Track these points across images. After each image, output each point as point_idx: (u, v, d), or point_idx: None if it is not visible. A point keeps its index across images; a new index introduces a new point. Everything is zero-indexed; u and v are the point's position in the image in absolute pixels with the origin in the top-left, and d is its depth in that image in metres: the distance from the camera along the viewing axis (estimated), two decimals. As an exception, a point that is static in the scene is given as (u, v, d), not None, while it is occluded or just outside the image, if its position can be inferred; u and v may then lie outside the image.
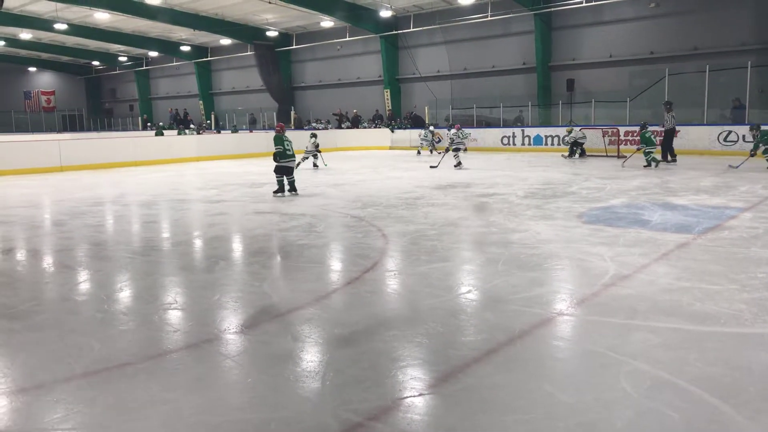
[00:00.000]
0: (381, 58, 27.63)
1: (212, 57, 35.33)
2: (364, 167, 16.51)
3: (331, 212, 8.61)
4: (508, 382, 3.02)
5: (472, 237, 6.79)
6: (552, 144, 20.81)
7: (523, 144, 21.64)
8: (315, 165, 16.15)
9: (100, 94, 45.60)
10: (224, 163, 19.10)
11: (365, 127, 27.26)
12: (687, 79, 18.79)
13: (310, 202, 9.75)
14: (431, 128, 22.52)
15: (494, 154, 20.85)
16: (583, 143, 17.86)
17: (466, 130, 22.72)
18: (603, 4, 20.85)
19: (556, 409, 2.74)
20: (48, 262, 6.19)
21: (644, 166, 13.90)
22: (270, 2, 23.69)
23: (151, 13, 25.73)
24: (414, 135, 23.26)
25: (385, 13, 24.52)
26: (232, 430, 2.64)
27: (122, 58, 38.81)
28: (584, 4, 20.91)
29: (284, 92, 31.64)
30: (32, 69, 43.02)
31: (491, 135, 22.69)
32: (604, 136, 18.20)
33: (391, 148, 24.86)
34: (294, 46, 30.93)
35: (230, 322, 4.05)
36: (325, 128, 26.38)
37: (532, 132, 21.58)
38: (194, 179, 14.45)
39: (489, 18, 23.06)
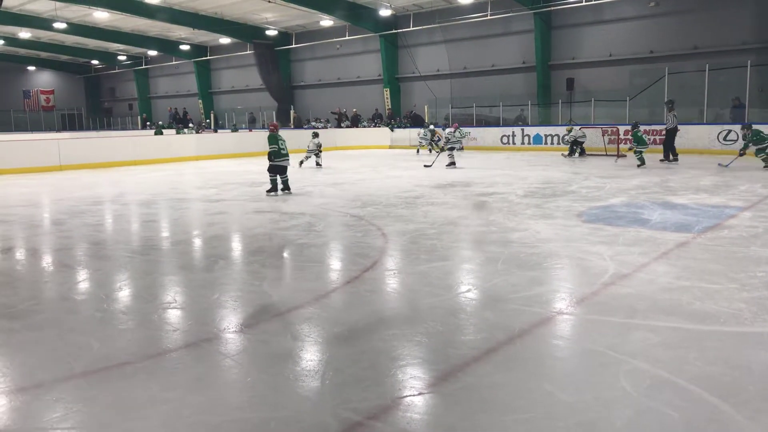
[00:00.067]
0: (380, 57, 27.62)
1: (211, 56, 35.32)
2: (363, 166, 16.51)
3: (331, 211, 8.61)
4: (507, 381, 3.02)
5: (472, 236, 6.79)
6: (552, 143, 20.81)
7: (522, 143, 21.64)
8: (318, 164, 16.18)
9: (99, 93, 45.58)
10: (224, 162, 19.10)
11: (365, 126, 27.25)
12: (687, 78, 18.79)
13: (309, 201, 9.75)
14: (431, 127, 22.51)
15: (494, 153, 20.84)
16: (582, 142, 17.86)
17: (465, 129, 22.73)
18: (603, 3, 20.86)
19: (555, 408, 2.74)
20: (47, 261, 6.18)
21: (638, 166, 13.94)
22: (269, 1, 23.69)
23: (151, 12, 25.73)
24: (414, 134, 23.25)
25: (385, 12, 24.51)
26: (232, 430, 2.64)
27: (121, 57, 38.79)
28: (584, 3, 20.91)
29: (284, 91, 31.63)
30: (31, 68, 43.00)
31: (491, 134, 22.69)
32: (603, 135, 18.20)
33: (390, 147, 24.86)
34: (293, 45, 30.92)
35: (230, 321, 4.05)
36: (325, 127, 26.36)
37: (531, 131, 21.58)
38: (193, 178, 14.44)
39: (489, 17, 23.07)
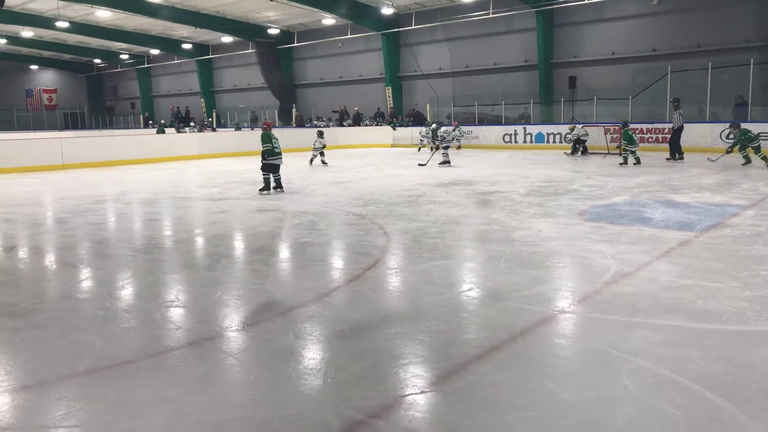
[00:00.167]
0: (382, 56, 27.60)
1: (214, 55, 35.32)
2: (365, 165, 16.51)
3: (333, 210, 8.61)
4: (509, 380, 3.02)
5: (474, 234, 6.78)
6: (554, 141, 20.78)
7: (525, 141, 21.61)
8: (324, 162, 16.34)
9: (101, 92, 45.63)
10: (226, 161, 19.12)
11: (367, 125, 27.24)
12: (690, 76, 18.75)
13: (311, 199, 9.76)
14: (433, 126, 22.51)
15: (496, 151, 20.82)
16: (585, 141, 17.84)
17: (464, 128, 22.76)
18: (605, 2, 20.81)
19: (557, 407, 2.74)
20: (50, 259, 6.20)
21: (620, 164, 13.95)
22: (271, 0, 23.67)
23: (153, 10, 25.74)
24: (416, 132, 23.24)
25: (387, 11, 24.49)
26: (235, 428, 2.64)
27: (124, 56, 38.81)
28: (586, 2, 20.86)
29: (286, 90, 31.63)
30: (34, 67, 43.06)
31: (493, 132, 22.67)
32: (606, 134, 18.16)
33: (392, 145, 24.85)
34: (295, 44, 30.91)
35: (232, 320, 4.06)
36: (326, 126, 26.36)
37: (533, 129, 21.56)
38: (196, 177, 14.46)
39: (491, 15, 23.03)
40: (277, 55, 30.86)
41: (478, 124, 23.64)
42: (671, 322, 3.73)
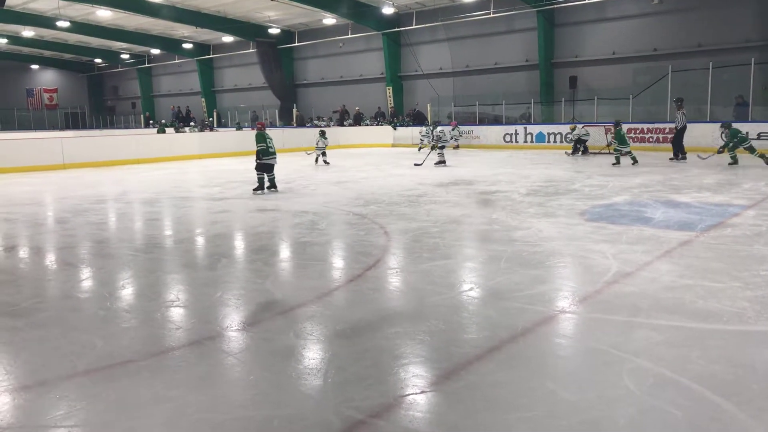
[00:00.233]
0: (383, 55, 27.60)
1: (214, 54, 35.32)
2: (366, 164, 16.51)
3: (334, 210, 8.61)
4: (510, 380, 3.02)
5: (475, 234, 6.78)
6: (555, 141, 20.77)
7: (525, 141, 21.60)
8: (326, 162, 16.52)
9: (102, 92, 45.64)
10: (226, 160, 19.13)
11: (367, 125, 27.24)
12: (690, 76, 18.73)
13: (312, 199, 9.76)
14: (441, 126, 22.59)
15: (496, 151, 20.82)
16: (586, 140, 17.83)
17: (463, 128, 22.79)
18: (606, 1, 20.80)
19: (558, 407, 2.74)
20: (51, 259, 6.20)
21: (613, 164, 13.94)
22: (272, 0, 23.68)
23: (154, 10, 25.75)
24: (416, 132, 23.25)
25: (388, 10, 24.49)
26: (235, 428, 2.64)
27: (124, 56, 38.82)
28: (587, 1, 20.85)
29: (286, 89, 31.63)
30: (35, 67, 43.08)
31: (493, 132, 22.66)
32: (606, 134, 18.14)
33: (393, 145, 24.85)
34: (296, 44, 30.91)
35: (233, 320, 4.06)
36: (327, 125, 26.37)
37: (534, 129, 21.54)
38: (197, 177, 14.47)
39: (491, 15, 23.02)
40: (278, 54, 30.86)
41: (478, 124, 23.63)
42: (672, 322, 3.73)
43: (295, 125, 29.39)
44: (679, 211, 7.70)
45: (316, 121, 28.79)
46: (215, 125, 32.50)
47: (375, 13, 25.13)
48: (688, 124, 15.19)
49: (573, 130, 18.15)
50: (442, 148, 15.21)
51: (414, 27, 25.65)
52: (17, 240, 7.26)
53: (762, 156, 12.92)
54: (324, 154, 16.70)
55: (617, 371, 3.07)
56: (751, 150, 13.29)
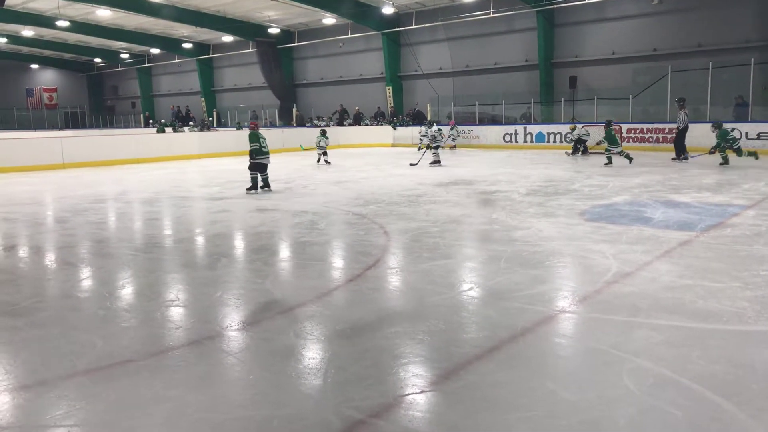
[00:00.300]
0: (383, 55, 27.59)
1: (214, 54, 35.30)
2: (366, 164, 16.51)
3: (334, 209, 8.61)
4: (510, 380, 3.02)
5: (475, 234, 6.78)
6: (554, 141, 20.77)
7: (525, 141, 21.60)
8: (327, 161, 16.63)
9: (102, 92, 45.63)
10: (226, 160, 19.11)
11: (367, 125, 27.24)
12: (690, 76, 18.73)
13: (312, 199, 9.75)
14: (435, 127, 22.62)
15: (496, 151, 20.82)
16: (586, 140, 17.83)
17: (461, 127, 22.81)
18: (606, 1, 20.79)
19: (558, 407, 2.74)
20: (50, 259, 6.20)
21: (605, 164, 13.94)
22: (272, -1, 23.71)
23: (153, 10, 25.74)
24: (416, 132, 23.24)
25: (387, 10, 24.48)
26: (235, 428, 2.64)
27: (124, 56, 38.81)
28: (587, 1, 20.85)
29: (286, 89, 31.63)
30: (34, 66, 43.06)
31: (493, 132, 22.66)
32: (606, 134, 18.14)
33: (393, 145, 24.84)
34: (296, 43, 30.90)
35: (232, 319, 4.06)
36: (327, 125, 26.37)
37: (534, 129, 21.55)
38: (196, 176, 14.47)
39: (491, 15, 23.02)
40: (278, 54, 30.85)
41: (478, 124, 23.63)
42: (672, 322, 3.73)
43: (294, 125, 29.38)
44: (679, 211, 7.70)
45: (315, 121, 28.77)
46: (215, 125, 32.49)
47: (375, 13, 25.12)
48: (689, 125, 15.19)
49: (573, 130, 18.15)
50: (437, 148, 15.22)
51: (414, 27, 25.65)
52: (17, 239, 7.26)
53: (751, 153, 13.06)
54: (325, 153, 16.80)
55: (617, 371, 3.07)
56: (738, 152, 13.43)
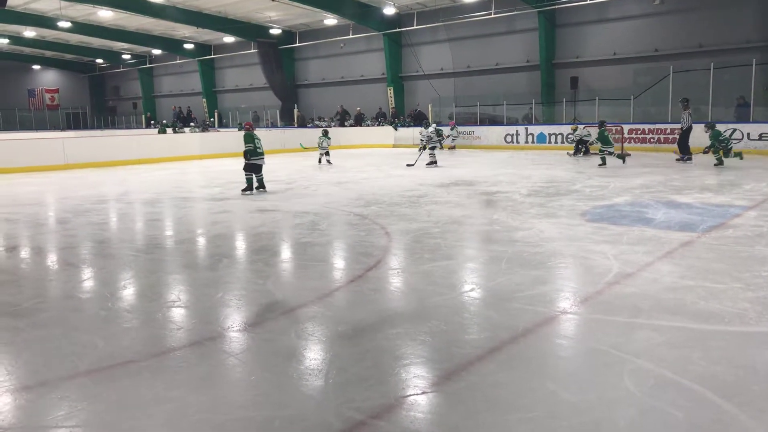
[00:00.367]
0: (384, 56, 27.59)
1: (215, 55, 35.33)
2: (367, 165, 16.51)
3: (335, 210, 8.61)
4: (511, 381, 3.02)
5: (476, 235, 6.78)
6: (556, 142, 20.77)
7: (526, 142, 21.60)
8: (329, 162, 16.73)
9: (103, 92, 45.68)
10: (228, 161, 19.10)
11: (368, 125, 27.25)
12: (691, 76, 18.71)
13: (313, 200, 9.76)
14: (433, 126, 22.62)
15: (497, 151, 20.81)
16: (587, 141, 17.82)
17: (460, 128, 22.85)
18: (607, 2, 20.77)
19: (559, 408, 2.74)
20: (52, 259, 6.21)
21: (599, 165, 13.95)
22: (273, 0, 23.68)
23: (155, 11, 25.76)
24: (417, 133, 23.25)
25: (389, 11, 24.48)
26: (236, 428, 2.65)
27: (126, 56, 38.85)
28: (588, 2, 20.83)
29: (287, 90, 31.64)
30: (36, 67, 43.12)
31: (494, 133, 22.65)
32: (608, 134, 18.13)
33: (394, 146, 24.84)
34: (297, 44, 30.91)
35: (234, 320, 4.06)
36: (329, 126, 26.38)
37: (535, 130, 21.54)
38: (198, 177, 14.48)
39: (493, 15, 23.01)
40: (279, 55, 30.87)
41: (479, 124, 23.63)
42: (673, 323, 3.73)
43: (296, 126, 29.38)
44: (681, 211, 7.70)
45: (317, 122, 28.77)
46: (216, 125, 32.50)
47: (376, 14, 25.13)
48: (693, 125, 15.18)
49: (575, 130, 18.15)
50: (433, 148, 15.23)
51: (415, 27, 25.64)
52: (19, 240, 7.27)
53: (737, 154, 13.16)
54: (327, 153, 16.84)
55: (618, 372, 3.07)
56: (726, 153, 13.44)
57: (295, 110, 30.52)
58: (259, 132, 25.47)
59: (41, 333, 3.86)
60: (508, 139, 22.10)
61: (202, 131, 26.20)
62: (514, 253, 5.62)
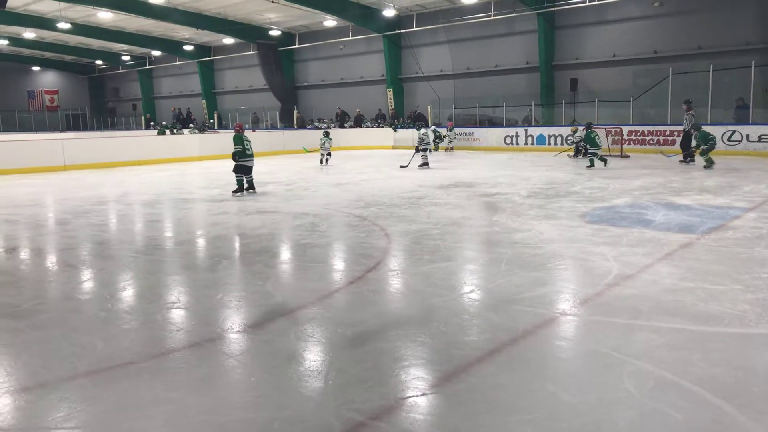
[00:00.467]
0: (384, 58, 27.61)
1: (215, 56, 35.35)
2: (366, 167, 16.51)
3: (334, 211, 8.61)
4: (510, 382, 3.02)
5: (475, 236, 6.78)
6: (555, 143, 20.77)
7: (526, 143, 21.61)
8: (327, 160, 16.86)
9: (103, 94, 45.67)
10: (228, 162, 19.06)
11: (368, 127, 27.26)
12: (691, 78, 18.74)
13: (312, 201, 9.76)
14: (433, 128, 22.72)
15: (497, 153, 20.83)
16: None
17: (458, 129, 22.91)
18: (606, 4, 20.80)
19: (558, 410, 2.74)
20: (51, 260, 6.20)
21: (587, 167, 14.03)
22: (273, 1, 23.70)
23: (155, 12, 25.77)
24: (416, 134, 23.27)
25: (388, 13, 24.50)
26: (236, 430, 2.64)
27: (125, 58, 38.86)
28: (587, 4, 20.86)
29: (287, 91, 31.66)
30: (36, 68, 43.12)
31: (494, 134, 22.67)
32: (607, 136, 18.15)
33: (393, 147, 24.85)
34: (297, 46, 30.93)
35: (233, 322, 4.06)
36: (329, 127, 26.40)
37: (535, 131, 21.56)
38: (197, 178, 14.47)
39: (492, 17, 23.03)
40: (279, 56, 30.89)
41: (479, 126, 23.65)
42: (673, 325, 3.73)
43: (295, 127, 29.39)
44: (680, 213, 7.70)
45: (316, 123, 28.76)
46: (216, 127, 32.50)
47: (376, 16, 25.15)
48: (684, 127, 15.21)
49: (575, 132, 18.16)
50: (426, 150, 15.24)
51: (414, 29, 25.67)
52: (18, 241, 7.27)
53: (708, 159, 13.15)
54: (329, 154, 16.94)
55: (618, 374, 3.07)
56: (706, 152, 13.40)
57: (295, 112, 30.53)
58: (259, 133, 25.54)
59: (41, 334, 3.86)
60: (508, 140, 22.12)
61: (200, 132, 26.19)
62: (514, 255, 5.63)
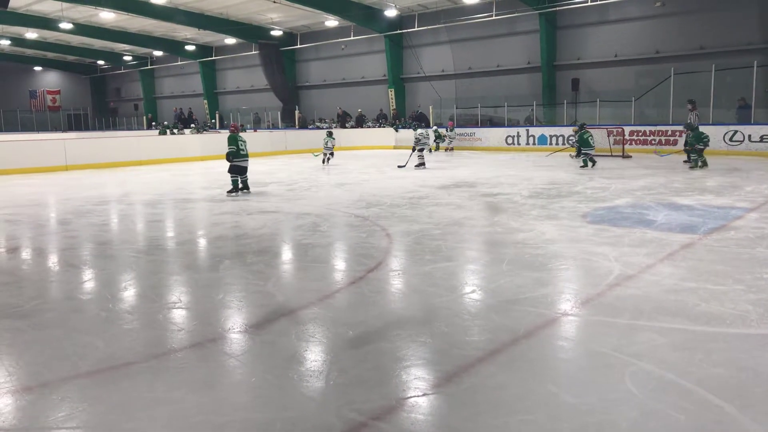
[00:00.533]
0: (385, 58, 27.61)
1: (217, 56, 35.38)
2: (368, 166, 16.51)
3: (336, 212, 8.61)
4: (512, 383, 3.01)
5: (477, 237, 6.78)
6: (557, 143, 20.76)
7: (528, 143, 21.60)
8: (329, 159, 16.96)
9: (105, 94, 45.73)
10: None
11: (369, 127, 27.27)
12: (693, 78, 18.71)
13: (314, 201, 9.76)
14: (434, 127, 22.73)
15: (499, 153, 20.82)
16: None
17: (458, 130, 22.94)
18: (608, 4, 20.79)
19: (560, 410, 2.74)
20: (53, 260, 6.21)
21: (581, 167, 14.09)
22: (275, 2, 23.73)
23: (156, 12, 25.81)
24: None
25: (390, 13, 24.51)
26: (237, 430, 2.64)
27: (127, 58, 38.90)
28: (589, 4, 20.84)
29: (288, 91, 31.66)
30: (38, 68, 43.19)
31: (496, 134, 22.66)
32: (609, 136, 18.15)
33: (395, 147, 24.84)
34: (298, 46, 30.95)
35: (234, 322, 4.06)
36: (330, 127, 26.40)
37: (536, 132, 21.54)
38: (199, 179, 14.48)
39: (494, 17, 23.03)
40: (280, 56, 30.90)
41: (480, 126, 23.64)
42: (675, 325, 3.72)
43: (297, 127, 29.40)
44: (682, 213, 7.69)
45: (318, 123, 28.75)
46: (217, 127, 32.51)
47: (377, 16, 25.16)
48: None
49: (577, 132, 18.13)
50: (422, 150, 15.24)
51: (416, 29, 25.67)
52: (20, 241, 7.28)
53: (695, 160, 13.19)
54: (332, 154, 17.02)
55: (619, 374, 3.06)
56: (700, 152, 13.39)
57: (296, 112, 30.53)
58: (261, 133, 25.53)
59: (42, 334, 3.86)
60: (509, 140, 22.11)
61: (198, 132, 26.19)
62: (516, 255, 5.62)
